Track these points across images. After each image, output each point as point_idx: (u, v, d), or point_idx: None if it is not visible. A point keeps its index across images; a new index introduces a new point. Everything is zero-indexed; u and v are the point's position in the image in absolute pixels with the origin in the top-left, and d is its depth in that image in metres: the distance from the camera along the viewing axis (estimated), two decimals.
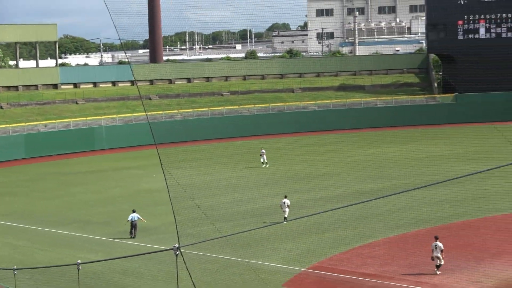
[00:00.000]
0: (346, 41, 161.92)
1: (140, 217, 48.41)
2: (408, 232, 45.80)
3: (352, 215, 47.91)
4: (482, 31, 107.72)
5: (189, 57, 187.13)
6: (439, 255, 37.07)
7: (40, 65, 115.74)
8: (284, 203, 49.81)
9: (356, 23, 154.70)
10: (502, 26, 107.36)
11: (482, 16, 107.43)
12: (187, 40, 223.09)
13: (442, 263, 37.06)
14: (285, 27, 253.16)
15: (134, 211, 48.73)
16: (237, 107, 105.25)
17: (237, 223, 49.39)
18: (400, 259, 40.14)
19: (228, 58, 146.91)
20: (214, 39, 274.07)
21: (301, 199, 54.67)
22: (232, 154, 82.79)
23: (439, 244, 37.19)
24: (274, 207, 53.09)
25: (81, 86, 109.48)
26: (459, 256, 39.33)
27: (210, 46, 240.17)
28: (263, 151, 75.47)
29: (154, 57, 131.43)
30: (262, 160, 74.88)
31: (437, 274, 36.89)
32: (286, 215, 49.24)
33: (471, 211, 49.79)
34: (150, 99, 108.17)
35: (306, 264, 39.85)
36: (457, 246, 40.33)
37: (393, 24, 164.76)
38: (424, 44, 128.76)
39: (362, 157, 77.67)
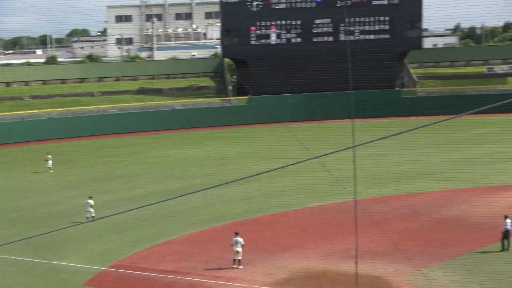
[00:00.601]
0: (145, 46, 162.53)
1: None
2: (205, 229, 47.18)
3: (152, 214, 49.19)
4: (273, 36, 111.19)
5: None
6: (239, 249, 38.60)
7: None
8: (88, 203, 50.57)
9: (154, 29, 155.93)
10: (292, 32, 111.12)
11: (273, 22, 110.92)
12: None
13: (240, 257, 38.60)
14: (85, 32, 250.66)
15: None
16: (38, 111, 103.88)
17: (38, 225, 49.13)
18: (198, 255, 41.26)
19: (29, 63, 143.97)
20: (15, 44, 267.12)
21: (102, 200, 54.84)
22: (32, 158, 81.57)
23: (240, 239, 38.70)
24: (76, 208, 53.49)
25: None
26: (253, 250, 40.64)
27: (10, 52, 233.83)
28: (49, 156, 74.93)
29: None
30: (47, 165, 74.17)
31: (235, 268, 38.29)
32: (93, 215, 49.88)
33: (264, 207, 51.93)
34: None
35: (107, 263, 40.43)
36: (252, 241, 41.48)
37: (190, 30, 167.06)
38: (219, 49, 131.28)
39: (161, 158, 78.63)
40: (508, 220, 39.57)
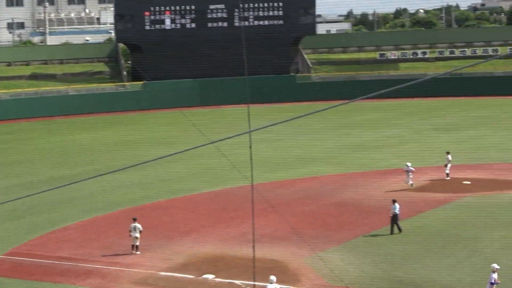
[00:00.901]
0: (37, 31, 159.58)
1: None
2: (101, 215, 46.86)
3: (46, 201, 48.44)
4: (167, 21, 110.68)
5: None
6: (137, 235, 38.47)
7: None
8: None
9: (47, 14, 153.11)
10: (186, 17, 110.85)
11: (168, 7, 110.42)
12: None
13: (138, 243, 38.47)
14: None
15: None
16: None
17: None
18: (94, 242, 41.03)
19: None
20: None
21: None
22: None
23: (138, 225, 38.53)
24: None
25: None
26: (151, 236, 40.50)
27: None
28: None
29: None
30: None
31: (133, 254, 38.14)
32: None
33: (161, 193, 52.04)
34: None
35: (1, 251, 39.76)
36: (149, 227, 41.38)
37: (83, 14, 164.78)
38: (113, 34, 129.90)
39: (55, 144, 77.55)
40: (397, 205, 40.46)
